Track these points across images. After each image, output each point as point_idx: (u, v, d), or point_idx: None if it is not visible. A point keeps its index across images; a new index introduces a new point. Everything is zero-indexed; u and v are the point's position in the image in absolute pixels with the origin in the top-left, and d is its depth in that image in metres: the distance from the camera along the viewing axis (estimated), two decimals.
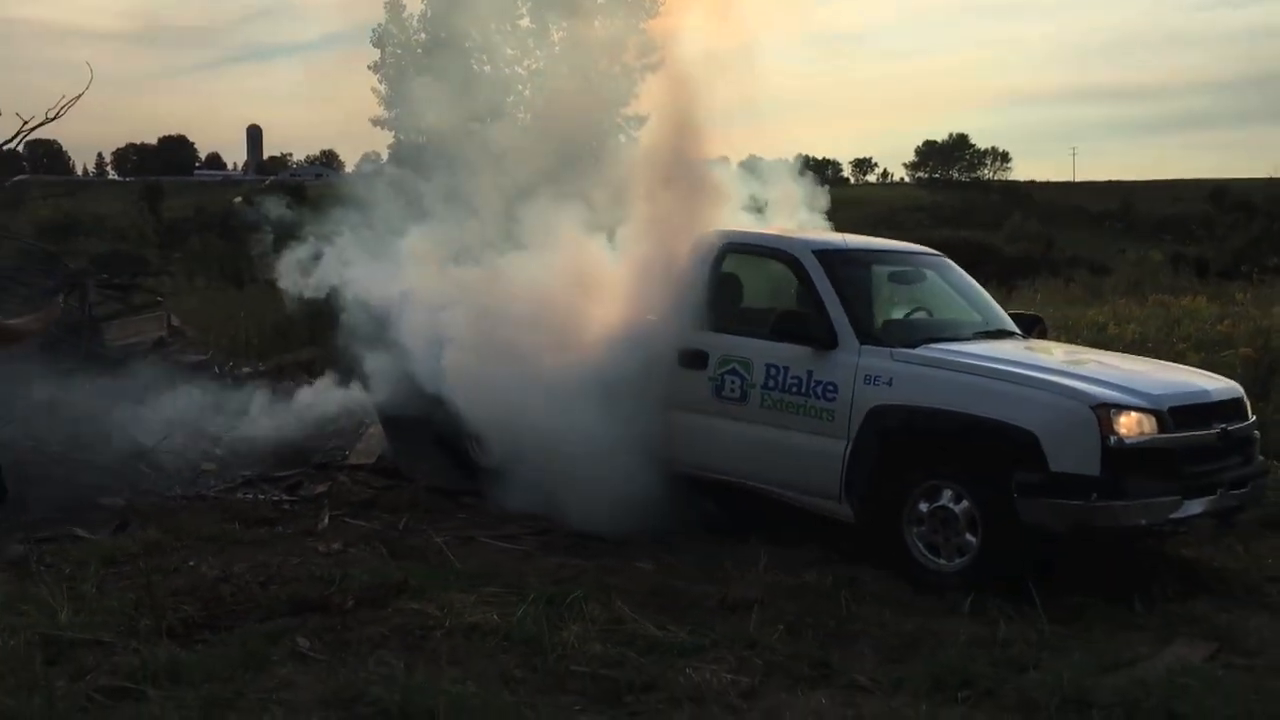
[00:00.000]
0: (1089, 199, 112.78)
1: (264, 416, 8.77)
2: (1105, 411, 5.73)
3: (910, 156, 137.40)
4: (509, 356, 7.41)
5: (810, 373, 6.62)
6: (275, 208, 9.05)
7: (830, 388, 6.53)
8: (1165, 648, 5.15)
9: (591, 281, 7.51)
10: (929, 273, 7.68)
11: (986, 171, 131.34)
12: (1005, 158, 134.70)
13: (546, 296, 7.48)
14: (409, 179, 8.45)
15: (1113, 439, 5.69)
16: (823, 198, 8.39)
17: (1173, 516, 5.89)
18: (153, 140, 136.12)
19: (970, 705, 4.28)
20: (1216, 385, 6.52)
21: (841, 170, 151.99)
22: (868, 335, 6.57)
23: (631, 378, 7.10)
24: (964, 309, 7.63)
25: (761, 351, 6.83)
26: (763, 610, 5.56)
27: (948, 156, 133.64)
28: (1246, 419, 6.50)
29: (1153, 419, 5.84)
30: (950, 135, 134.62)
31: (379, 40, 15.54)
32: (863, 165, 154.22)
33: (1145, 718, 4.04)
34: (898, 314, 7.48)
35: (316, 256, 8.45)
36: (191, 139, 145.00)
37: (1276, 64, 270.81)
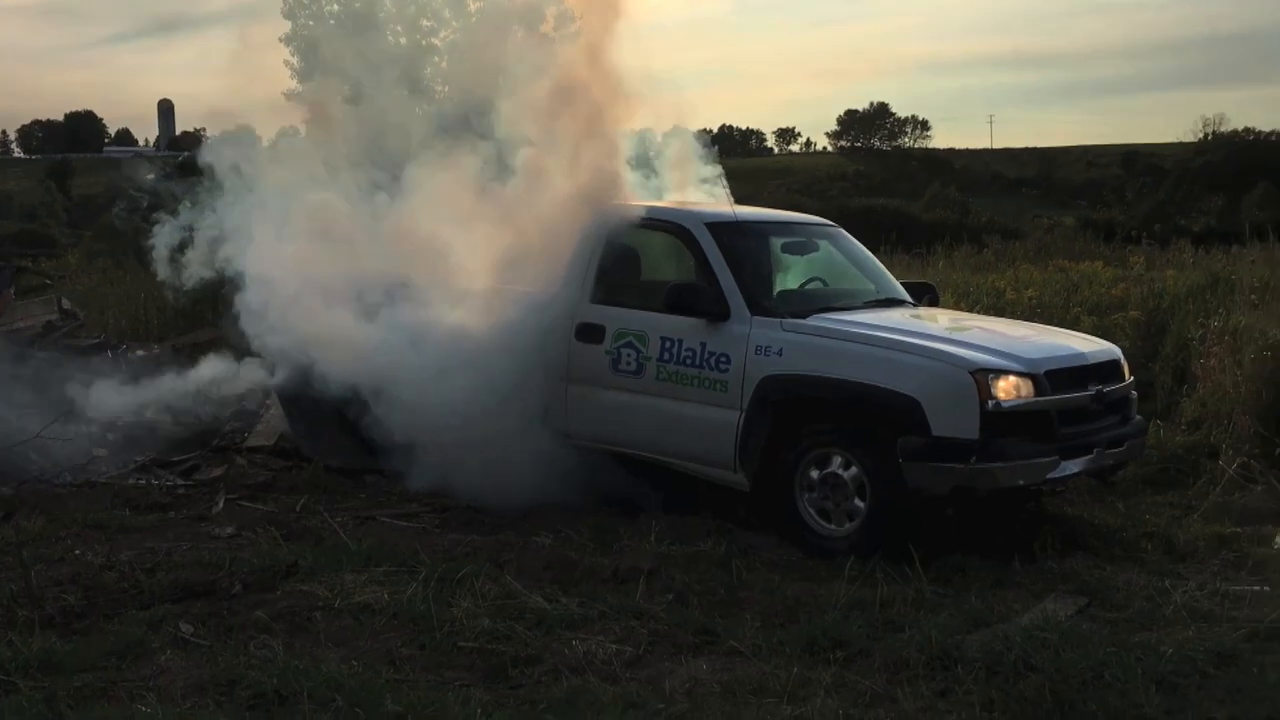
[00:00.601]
0: (1007, 166, 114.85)
1: (160, 400, 8.59)
2: (983, 376, 5.87)
3: (833, 125, 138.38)
4: (399, 330, 7.37)
5: (704, 344, 6.68)
6: (160, 183, 8.81)
7: (723, 359, 6.60)
8: (1037, 604, 5.32)
9: (485, 253, 7.48)
10: (822, 243, 7.78)
11: (907, 140, 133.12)
12: (925, 126, 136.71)
13: (438, 268, 7.44)
14: (295, 150, 8.30)
15: (990, 403, 5.84)
16: (716, 168, 8.40)
17: (1050, 476, 6.09)
18: (59, 116, 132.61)
19: (841, 665, 4.38)
20: (1093, 348, 6.71)
21: (765, 140, 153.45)
22: (759, 306, 6.64)
23: (527, 352, 7.12)
24: (857, 278, 7.75)
25: (656, 325, 6.87)
26: (653, 580, 5.64)
27: (869, 125, 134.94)
28: (1123, 380, 6.70)
29: (1029, 382, 6.00)
30: (871, 104, 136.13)
31: (289, 12, 15.25)
32: (786, 135, 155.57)
33: (1006, 671, 4.16)
34: (793, 284, 7.59)
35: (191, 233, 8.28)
36: (100, 115, 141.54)
37: (1192, 29, 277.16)
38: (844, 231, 8.00)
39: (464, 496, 7.19)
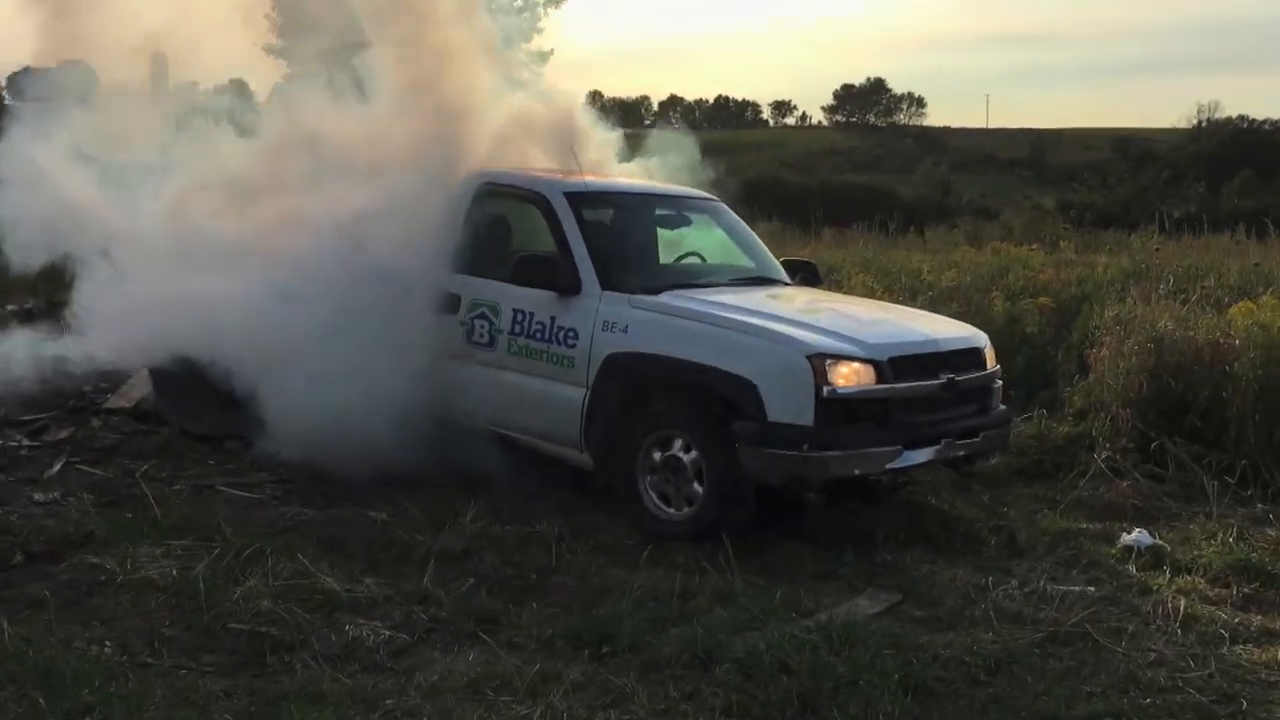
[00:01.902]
0: (1002, 146, 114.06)
1: (23, 358, 8.35)
2: (820, 361, 5.66)
3: (829, 100, 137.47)
4: (257, 295, 7.12)
5: (553, 318, 6.47)
6: None
7: (571, 334, 6.38)
8: (850, 599, 5.14)
9: (349, 215, 7.21)
10: (700, 218, 7.54)
11: (902, 116, 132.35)
12: (921, 103, 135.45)
13: (300, 228, 7.19)
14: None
15: (826, 389, 5.63)
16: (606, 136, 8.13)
17: (892, 466, 5.88)
18: (52, 65, 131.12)
19: (599, 661, 4.19)
20: (949, 334, 6.50)
21: (761, 112, 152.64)
22: (611, 281, 6.41)
23: (384, 319, 6.89)
24: (735, 255, 7.53)
25: (509, 296, 6.66)
26: (463, 562, 5.46)
27: (865, 101, 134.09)
28: (983, 369, 6.48)
29: (870, 369, 5.78)
30: (868, 79, 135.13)
31: None
32: (781, 108, 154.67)
33: (762, 673, 3.97)
34: (665, 260, 7.37)
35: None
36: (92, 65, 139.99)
37: (1197, 12, 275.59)
38: (725, 207, 7.76)
39: (317, 467, 6.98)
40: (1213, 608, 5.00)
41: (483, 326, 6.76)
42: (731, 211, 7.76)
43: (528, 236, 7.03)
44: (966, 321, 8.96)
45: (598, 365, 6.25)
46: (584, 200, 6.75)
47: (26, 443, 7.37)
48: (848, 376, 5.73)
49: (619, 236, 6.95)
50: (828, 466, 5.72)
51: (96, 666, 3.99)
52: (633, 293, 6.32)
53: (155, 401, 7.96)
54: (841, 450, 5.71)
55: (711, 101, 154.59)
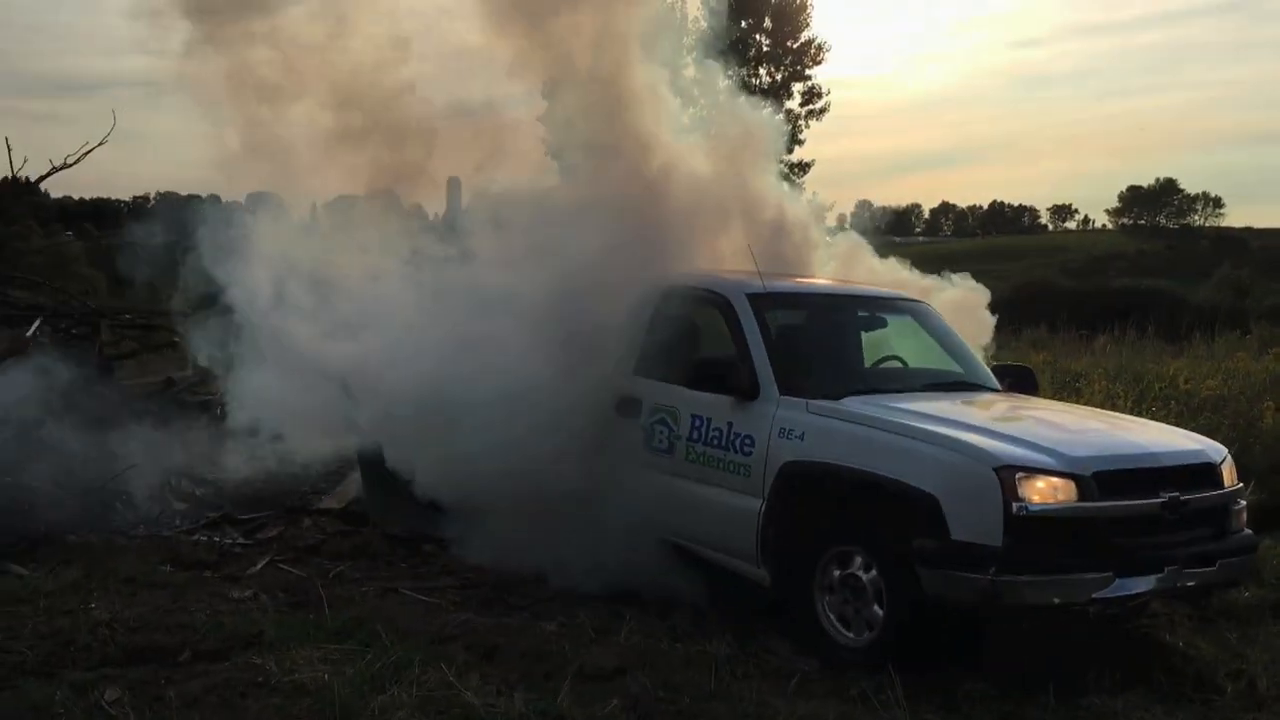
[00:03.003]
0: None
1: (257, 458, 8.82)
2: (1010, 474, 5.08)
3: (1113, 203, 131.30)
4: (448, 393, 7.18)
5: (730, 424, 6.18)
6: None
7: (748, 441, 6.07)
8: None
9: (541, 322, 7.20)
10: (897, 319, 7.10)
11: (1197, 218, 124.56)
12: (1218, 203, 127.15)
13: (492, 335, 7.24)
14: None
15: (1016, 505, 5.04)
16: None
17: (1099, 596, 5.16)
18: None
19: None
20: (1175, 448, 5.73)
21: (1039, 217, 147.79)
22: (790, 386, 6.08)
23: (567, 426, 6.79)
24: (938, 358, 7.03)
25: (688, 401, 6.43)
26: (616, 679, 5.17)
27: (1154, 202, 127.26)
28: (1218, 486, 5.67)
29: (1071, 484, 5.15)
30: (1157, 180, 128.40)
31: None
32: (1061, 212, 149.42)
33: None
34: (862, 363, 6.97)
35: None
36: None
37: None
38: (931, 309, 7.29)
39: (504, 573, 6.93)
40: None
41: (662, 432, 6.55)
42: (937, 313, 7.28)
43: (713, 340, 6.80)
44: (1229, 435, 8.06)
45: (774, 474, 5.90)
46: (767, 302, 6.48)
47: (241, 540, 7.70)
48: (1043, 492, 5.12)
49: (803, 339, 6.63)
50: (1020, 593, 5.09)
51: None
52: (812, 398, 5.96)
53: (366, 503, 8.19)
54: (1036, 575, 5.08)
55: (986, 207, 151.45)
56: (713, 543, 6.31)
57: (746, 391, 6.15)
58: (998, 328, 23.82)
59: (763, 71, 42.46)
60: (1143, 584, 5.28)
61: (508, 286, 7.16)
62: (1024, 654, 5.55)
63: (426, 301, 7.63)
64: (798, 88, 42.81)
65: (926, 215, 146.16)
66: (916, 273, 8.56)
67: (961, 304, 8.28)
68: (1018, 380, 7.00)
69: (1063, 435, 5.53)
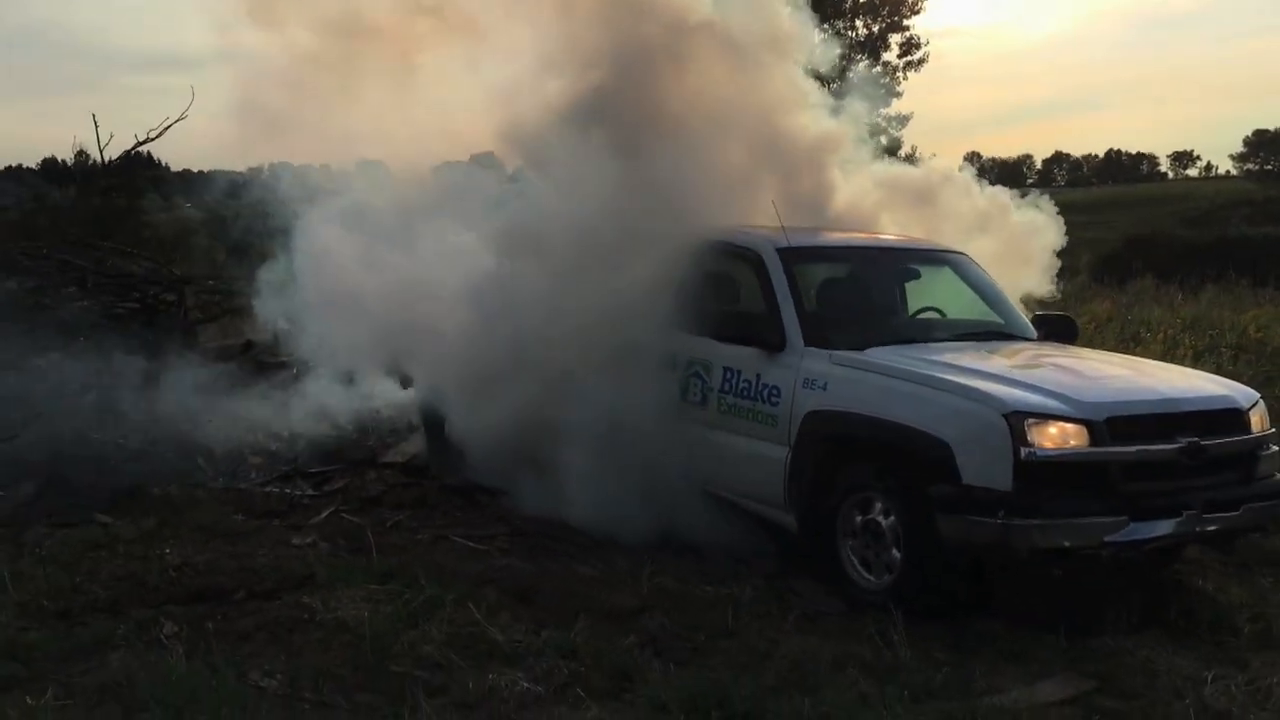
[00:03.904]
0: None
1: (329, 415, 9.26)
2: (1019, 420, 5.17)
3: (1238, 148, 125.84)
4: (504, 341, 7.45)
5: (759, 375, 6.36)
6: None
7: (775, 391, 6.24)
8: (1037, 683, 4.61)
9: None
10: (934, 270, 7.16)
11: None
12: None
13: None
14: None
15: (1025, 450, 5.13)
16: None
17: (1111, 539, 5.23)
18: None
19: None
20: (1196, 393, 5.71)
21: (1159, 164, 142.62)
22: (816, 337, 6.21)
23: (616, 376, 7.01)
24: (976, 309, 7.08)
25: (720, 354, 6.61)
26: (637, 619, 5.42)
27: None
28: (1245, 432, 5.65)
29: (1083, 430, 5.21)
30: None
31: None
32: (1182, 159, 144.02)
33: None
34: (900, 314, 7.07)
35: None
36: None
37: None
38: (970, 259, 7.30)
39: (554, 522, 7.22)
40: None
41: (696, 384, 6.74)
42: (978, 264, 7.28)
43: (748, 294, 6.95)
44: None
45: (798, 423, 6.06)
46: (797, 256, 6.60)
47: (310, 491, 8.12)
48: (1054, 437, 5.20)
49: (831, 292, 6.73)
50: (1030, 536, 5.18)
51: (236, 696, 4.29)
52: (836, 349, 6.08)
53: (425, 456, 8.56)
54: (1046, 519, 5.17)
55: (1101, 156, 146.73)
56: (744, 491, 6.50)
57: (774, 344, 6.31)
58: (1102, 279, 23.21)
59: (859, 23, 41.83)
60: (1158, 528, 5.32)
61: (553, 242, 7.36)
62: (1043, 597, 5.65)
63: (480, 261, 7.88)
64: (895, 39, 42.13)
65: (1039, 166, 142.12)
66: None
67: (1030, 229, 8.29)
68: (1055, 329, 7.00)
69: (1079, 382, 5.58)
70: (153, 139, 10.80)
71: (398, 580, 5.89)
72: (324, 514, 7.55)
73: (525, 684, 4.62)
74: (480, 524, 7.46)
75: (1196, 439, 5.38)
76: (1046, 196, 9.08)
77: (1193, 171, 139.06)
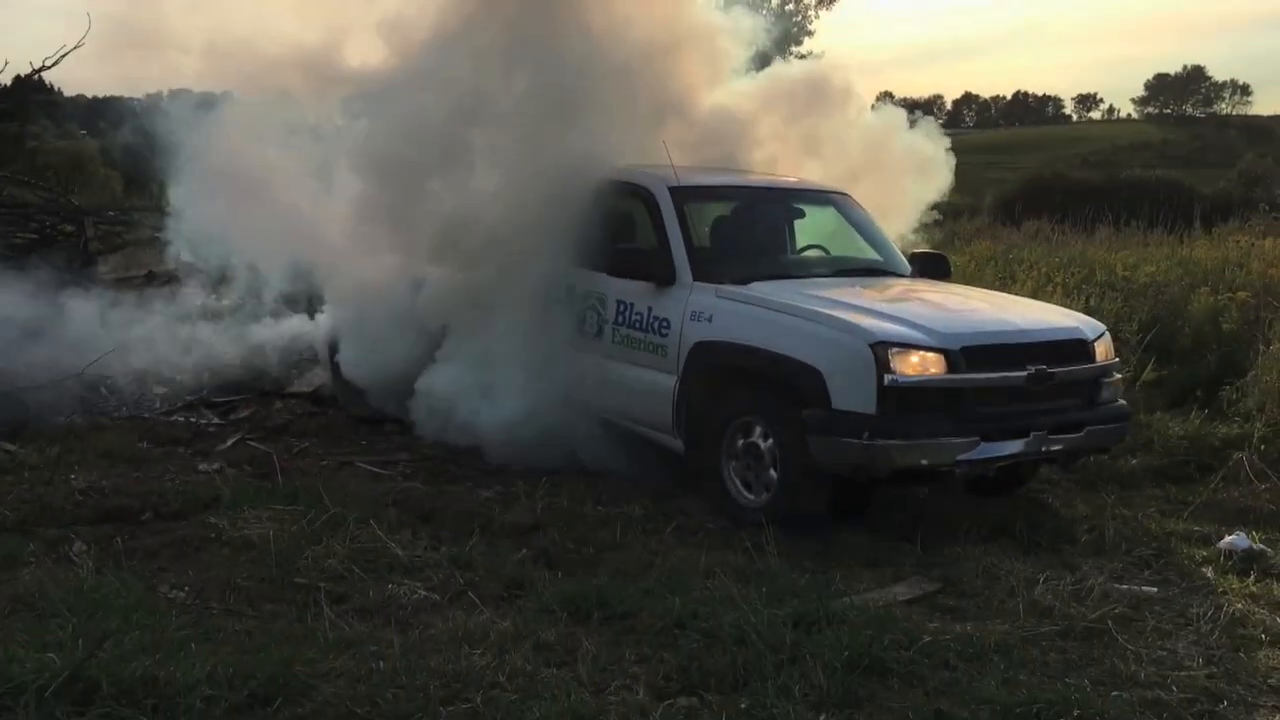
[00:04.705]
0: None
1: (234, 345, 9.39)
2: (883, 350, 5.59)
3: (1139, 91, 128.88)
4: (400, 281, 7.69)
5: (650, 308, 6.69)
6: None
7: (665, 324, 6.59)
8: (890, 586, 5.09)
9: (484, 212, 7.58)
10: (817, 210, 7.55)
11: (1224, 106, 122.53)
12: (1246, 90, 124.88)
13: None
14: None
15: (888, 377, 5.56)
16: None
17: (964, 458, 5.71)
18: None
19: (579, 625, 4.39)
20: (1044, 325, 6.22)
21: (1063, 107, 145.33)
22: (703, 272, 6.57)
23: (516, 309, 7.31)
24: (857, 247, 7.50)
25: (614, 288, 6.93)
26: (531, 535, 5.78)
27: (1181, 91, 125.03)
28: (1088, 360, 6.17)
29: (940, 358, 5.66)
30: (1184, 67, 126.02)
31: None
32: (1086, 101, 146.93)
33: (720, 645, 4.06)
34: (784, 251, 7.46)
35: None
36: None
37: None
38: (852, 200, 7.70)
39: (455, 449, 7.52)
40: (1273, 614, 4.61)
41: (592, 317, 7.06)
42: (859, 205, 7.69)
43: (641, 230, 7.27)
44: (1148, 318, 8.50)
45: (686, 353, 6.43)
46: (687, 195, 6.92)
47: (215, 420, 8.31)
48: (914, 365, 5.64)
49: (719, 230, 7.08)
50: (891, 456, 5.64)
51: (146, 604, 4.55)
52: (721, 283, 6.45)
53: (331, 387, 8.78)
54: (906, 440, 5.63)
55: (1009, 98, 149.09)
56: (636, 417, 6.86)
57: (664, 278, 6.65)
58: (1003, 221, 23.67)
59: None
60: (1007, 448, 5.82)
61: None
62: (905, 514, 6.14)
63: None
64: None
65: (949, 107, 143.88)
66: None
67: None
68: (928, 266, 7.44)
69: (940, 315, 6.03)
70: (48, 67, 10.64)
71: (302, 502, 6.12)
72: (230, 441, 7.77)
73: (423, 592, 4.95)
74: (385, 451, 7.75)
75: (1044, 367, 5.87)
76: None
77: (1096, 114, 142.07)
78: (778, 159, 8.13)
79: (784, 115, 8.32)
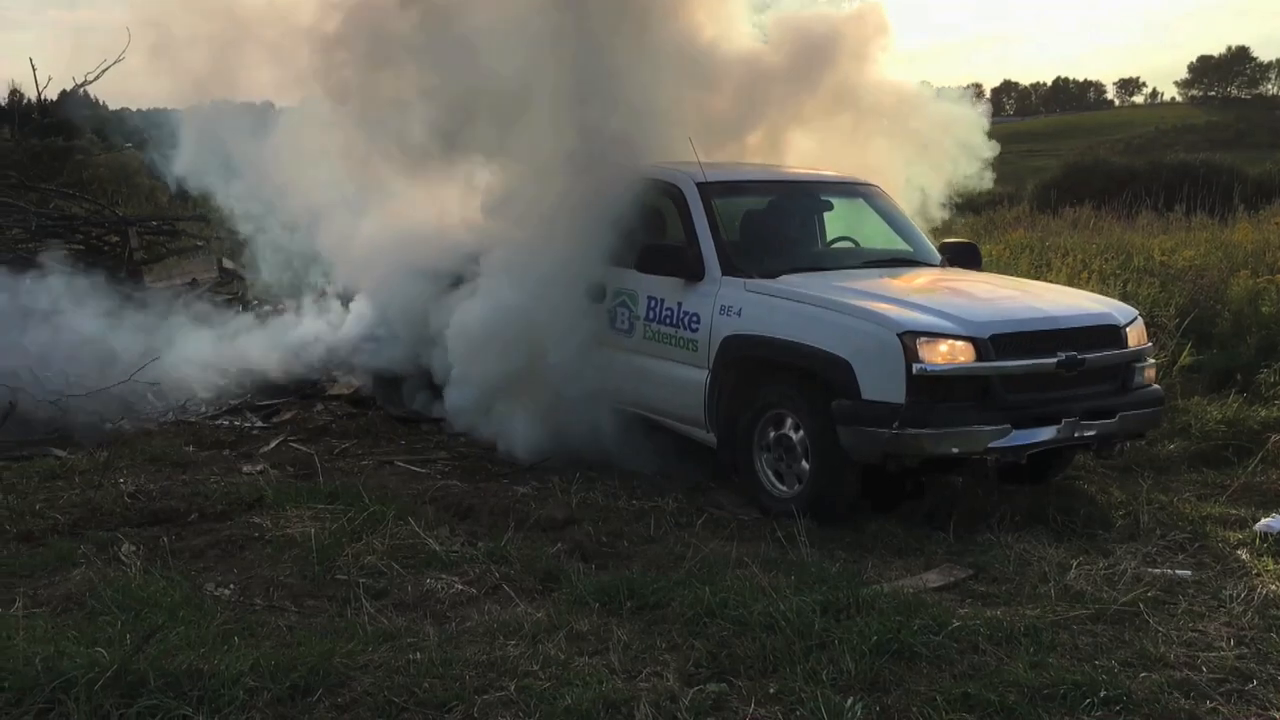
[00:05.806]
0: None
1: (275, 349, 9.56)
2: (911, 339, 5.62)
3: (1183, 74, 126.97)
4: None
5: (680, 304, 6.76)
6: None
7: (695, 319, 6.66)
8: (921, 574, 5.12)
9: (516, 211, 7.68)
10: (846, 202, 7.58)
11: (1270, 86, 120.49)
12: None
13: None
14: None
15: (916, 366, 5.59)
16: None
17: (997, 445, 5.73)
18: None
19: (612, 616, 4.46)
20: (1075, 312, 6.20)
21: (1105, 92, 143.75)
22: (732, 267, 6.62)
23: (550, 310, 7.38)
24: (887, 238, 7.52)
25: (644, 284, 7.00)
26: (565, 529, 5.87)
27: (1226, 72, 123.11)
28: (1120, 346, 6.15)
29: (969, 346, 5.68)
30: (1229, 48, 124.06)
31: None
32: (1128, 86, 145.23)
33: (751, 632, 4.12)
34: (813, 244, 7.50)
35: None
36: None
37: None
38: (881, 191, 7.72)
39: (491, 447, 7.64)
40: None
41: (624, 313, 7.13)
42: (888, 195, 7.71)
43: (671, 226, 7.32)
44: (1185, 303, 8.45)
45: (717, 347, 6.49)
46: (714, 190, 6.98)
47: (259, 423, 8.47)
48: (943, 354, 5.66)
49: (749, 223, 7.12)
50: (920, 445, 5.67)
51: (191, 601, 4.68)
52: (750, 277, 6.50)
53: (371, 388, 8.93)
54: (935, 429, 5.65)
55: (1049, 84, 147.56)
56: (669, 412, 6.93)
57: (693, 273, 6.71)
58: (1040, 208, 23.48)
59: None
60: (1039, 435, 5.83)
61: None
62: (939, 502, 6.16)
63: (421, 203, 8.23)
64: None
65: (988, 95, 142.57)
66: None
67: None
68: (959, 256, 7.45)
69: (969, 303, 6.04)
70: (90, 81, 10.89)
71: (342, 500, 6.27)
72: (273, 444, 7.92)
73: (459, 586, 5.05)
74: (423, 450, 7.88)
75: (1075, 353, 5.87)
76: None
77: (1139, 99, 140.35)
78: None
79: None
